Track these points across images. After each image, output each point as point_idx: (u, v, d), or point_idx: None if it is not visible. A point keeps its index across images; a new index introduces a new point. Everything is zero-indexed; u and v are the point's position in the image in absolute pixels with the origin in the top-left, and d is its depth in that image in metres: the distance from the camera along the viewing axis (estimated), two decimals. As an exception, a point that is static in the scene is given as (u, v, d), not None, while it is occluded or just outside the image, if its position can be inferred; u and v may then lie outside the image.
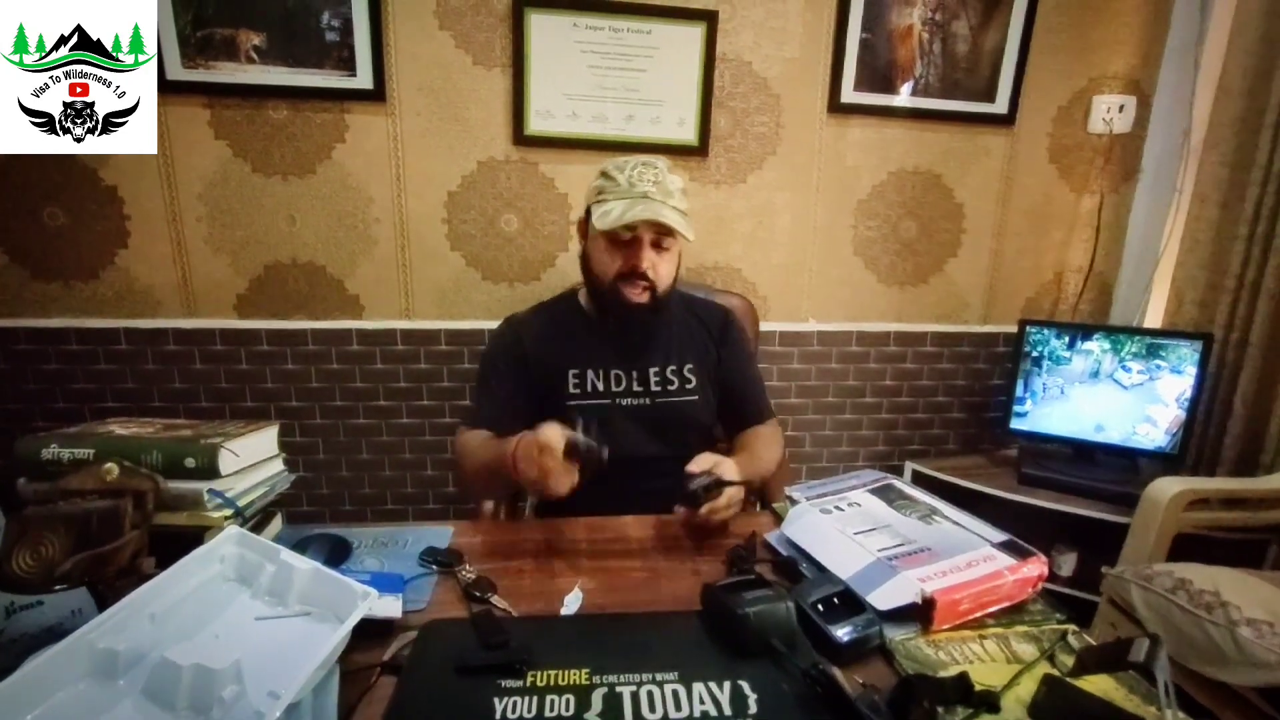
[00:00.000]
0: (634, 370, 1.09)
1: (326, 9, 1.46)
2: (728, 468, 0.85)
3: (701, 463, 0.86)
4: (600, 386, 1.08)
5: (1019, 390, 1.71)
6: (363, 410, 1.68)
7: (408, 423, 1.71)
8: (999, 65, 1.68)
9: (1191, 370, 1.51)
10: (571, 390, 1.07)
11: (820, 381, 1.84)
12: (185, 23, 1.42)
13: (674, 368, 1.10)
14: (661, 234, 1.00)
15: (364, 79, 1.50)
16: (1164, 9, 1.69)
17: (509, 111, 1.56)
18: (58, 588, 0.53)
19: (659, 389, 1.09)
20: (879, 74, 1.66)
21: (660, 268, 1.02)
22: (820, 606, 0.65)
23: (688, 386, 1.11)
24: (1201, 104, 1.62)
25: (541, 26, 1.52)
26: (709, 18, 1.56)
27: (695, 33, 1.57)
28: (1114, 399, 1.60)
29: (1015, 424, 1.73)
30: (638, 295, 1.01)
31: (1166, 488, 1.32)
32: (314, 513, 1.71)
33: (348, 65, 1.49)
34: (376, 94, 1.51)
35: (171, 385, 1.60)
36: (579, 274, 1.60)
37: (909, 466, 1.83)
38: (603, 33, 1.54)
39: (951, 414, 1.92)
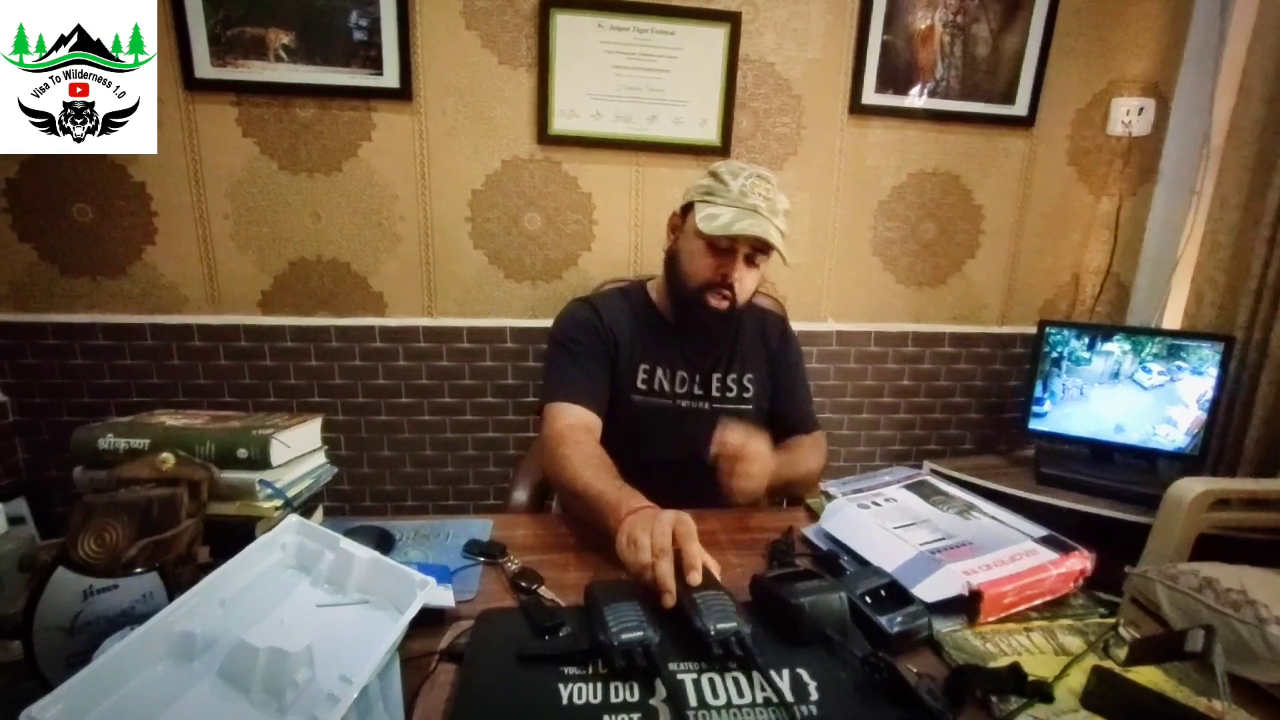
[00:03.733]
0: (698, 374, 1.09)
1: (355, 9, 1.47)
2: (758, 443, 0.89)
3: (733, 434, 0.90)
4: (666, 386, 1.08)
5: (1038, 391, 1.72)
6: (384, 407, 1.70)
7: (429, 419, 1.72)
8: (1019, 67, 1.69)
9: (1213, 372, 1.52)
10: (639, 385, 1.07)
11: (838, 381, 1.85)
12: (215, 22, 1.44)
13: (735, 376, 1.11)
14: (757, 250, 0.99)
15: (391, 78, 1.51)
16: (1184, 12, 1.70)
17: (533, 111, 1.58)
18: (137, 571, 0.54)
19: (719, 395, 1.10)
20: (900, 76, 1.67)
21: (746, 281, 1.01)
22: (868, 598, 0.66)
23: (745, 396, 1.11)
24: (1221, 107, 1.63)
25: (567, 26, 1.53)
26: (732, 19, 1.57)
27: (718, 34, 1.58)
28: (1134, 400, 1.61)
29: (1034, 424, 1.73)
30: (718, 302, 1.01)
31: (1190, 487, 1.33)
32: (335, 508, 1.70)
33: (375, 64, 1.50)
34: (403, 93, 1.52)
35: (196, 381, 1.62)
36: (600, 272, 1.65)
37: (926, 466, 1.84)
38: (627, 33, 1.55)
39: (968, 414, 1.93)
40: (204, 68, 1.46)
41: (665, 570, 0.64)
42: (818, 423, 1.20)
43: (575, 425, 0.97)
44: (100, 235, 1.53)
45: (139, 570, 0.54)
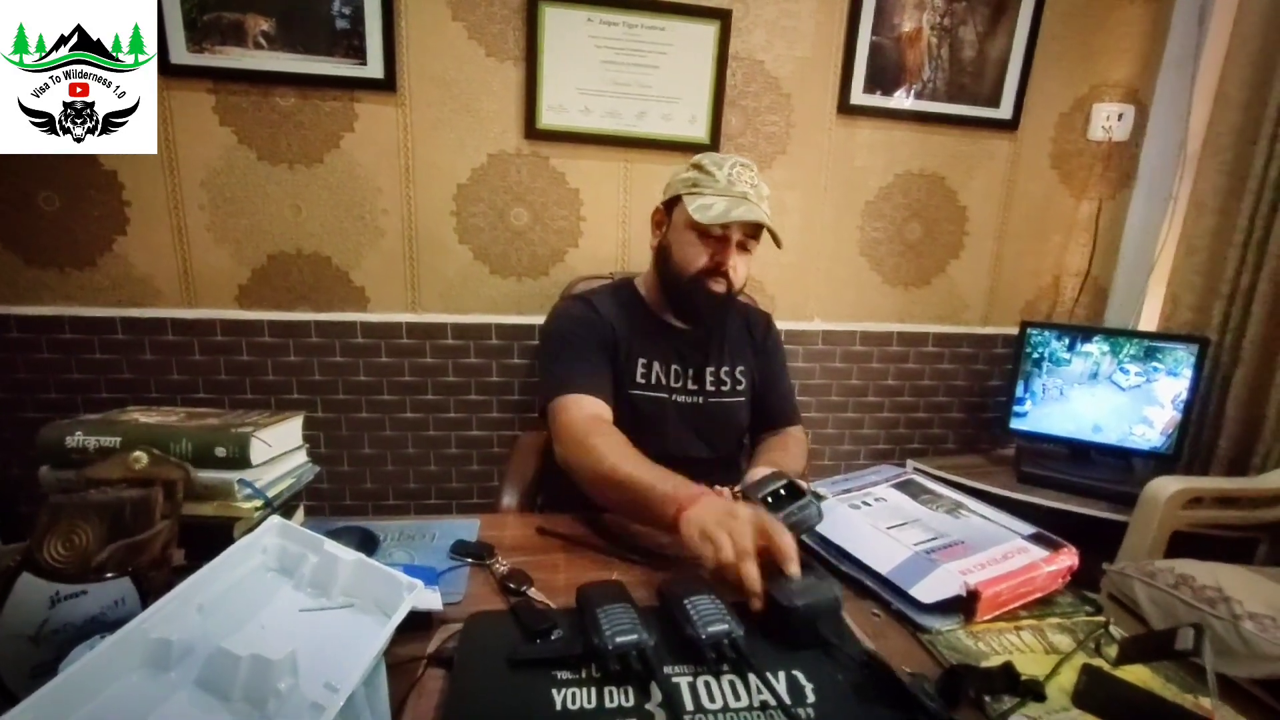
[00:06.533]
0: (690, 368, 1.09)
1: (337, -5, 1.43)
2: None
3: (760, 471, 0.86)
4: (663, 379, 1.07)
5: (1019, 390, 1.74)
6: (366, 404, 1.66)
7: (412, 417, 1.69)
8: (1004, 71, 1.71)
9: (1188, 373, 1.55)
10: (638, 379, 1.06)
11: (824, 380, 1.86)
12: (191, 6, 1.39)
13: (726, 369, 1.11)
14: (748, 236, 1.01)
15: (374, 68, 1.47)
16: (1163, 21, 1.73)
17: (521, 105, 1.55)
18: (108, 575, 0.52)
19: (712, 389, 1.10)
20: (888, 77, 1.68)
21: (740, 268, 1.03)
22: (769, 499, 0.72)
23: (738, 389, 1.12)
24: (1198, 114, 1.67)
25: (555, 20, 1.51)
26: (723, 16, 1.56)
27: (709, 31, 1.57)
28: (1112, 400, 1.64)
29: (1015, 424, 1.76)
30: (717, 286, 1.02)
31: (1166, 486, 1.36)
32: (314, 507, 1.66)
33: (358, 54, 1.47)
34: (387, 84, 1.49)
35: (169, 376, 1.57)
36: (587, 268, 1.63)
37: (909, 464, 1.85)
38: (617, 28, 1.54)
39: (951, 414, 1.95)
40: (180, 53, 1.41)
41: (752, 573, 0.62)
42: (799, 416, 1.21)
43: (597, 415, 0.94)
44: (68, 225, 1.47)
45: (110, 575, 0.52)
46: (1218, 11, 1.61)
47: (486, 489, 1.75)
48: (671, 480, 0.77)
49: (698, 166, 1.01)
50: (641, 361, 1.06)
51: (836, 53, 1.65)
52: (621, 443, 0.87)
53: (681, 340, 1.09)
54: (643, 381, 1.07)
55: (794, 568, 0.63)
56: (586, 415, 0.93)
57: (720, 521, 0.67)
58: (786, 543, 0.65)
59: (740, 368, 1.13)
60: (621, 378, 1.06)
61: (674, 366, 1.08)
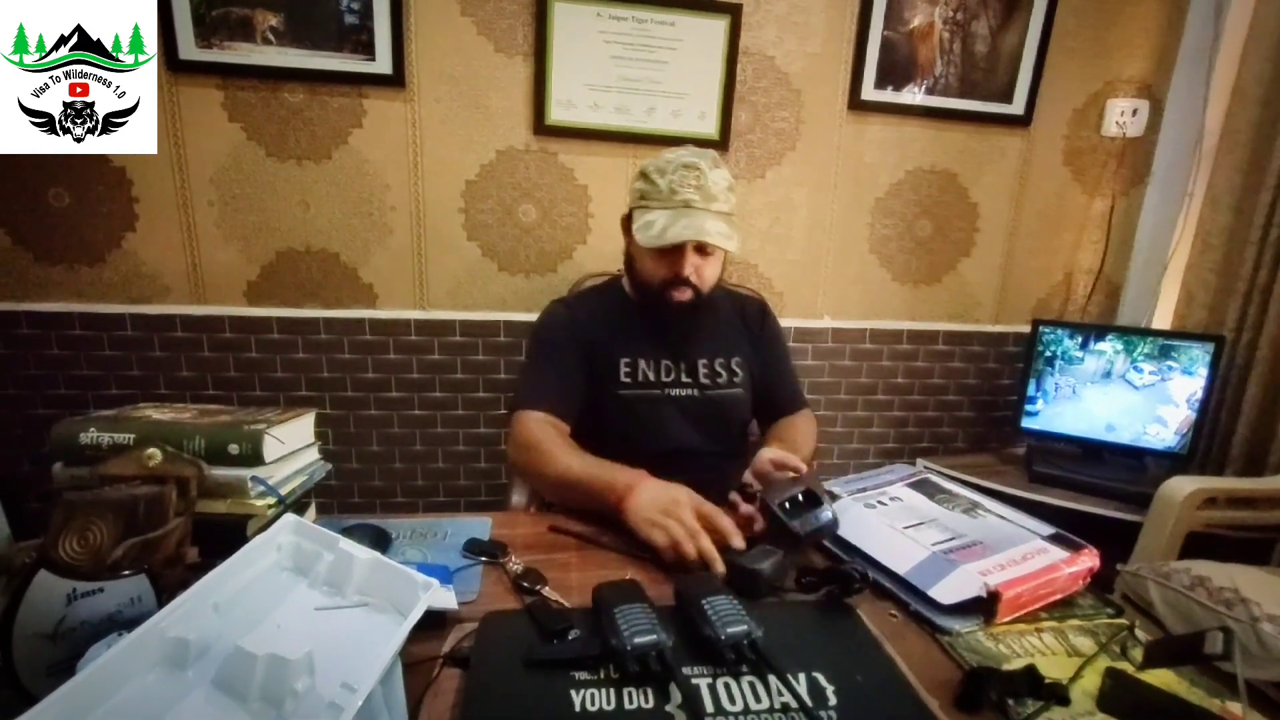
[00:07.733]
0: (682, 362, 1.08)
1: (346, -9, 1.43)
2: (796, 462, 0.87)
3: (766, 458, 0.87)
4: (651, 376, 1.07)
5: (1030, 389, 1.72)
6: (374, 401, 1.66)
7: (419, 414, 1.68)
8: (1017, 66, 1.69)
9: (1203, 371, 1.53)
10: (623, 379, 1.06)
11: (833, 378, 1.84)
12: (200, 1, 1.39)
13: (721, 360, 1.11)
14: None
15: (383, 64, 1.47)
16: (1178, 15, 1.71)
17: (530, 101, 1.55)
18: (125, 573, 0.51)
19: (707, 382, 1.09)
20: (899, 72, 1.66)
21: (704, 270, 1.02)
22: (786, 505, 0.74)
23: (735, 380, 1.11)
24: (1214, 109, 1.64)
25: (565, 15, 1.50)
26: (733, 11, 1.55)
27: (719, 26, 1.56)
28: (1125, 399, 1.62)
29: (1026, 423, 1.74)
30: (681, 296, 1.01)
31: (1181, 486, 1.34)
32: (323, 504, 1.66)
33: (367, 49, 1.46)
34: (396, 79, 1.48)
35: (178, 373, 1.57)
36: (596, 265, 1.63)
37: (920, 463, 1.84)
38: (626, 23, 1.53)
39: (961, 412, 1.93)
40: (188, 49, 1.41)
41: (708, 546, 0.71)
42: (806, 400, 1.21)
43: (544, 423, 0.98)
44: (78, 221, 1.47)
45: (127, 572, 0.51)
46: (1234, 5, 1.59)
47: (494, 486, 1.75)
48: (610, 470, 0.84)
49: (644, 175, 1.00)
50: (625, 362, 1.06)
51: (847, 48, 1.63)
52: (565, 443, 0.95)
53: (671, 334, 1.08)
54: (628, 381, 1.06)
55: (737, 542, 0.72)
56: (535, 426, 0.97)
57: (666, 510, 0.76)
58: (725, 523, 0.74)
59: (736, 359, 1.12)
60: (605, 380, 1.05)
61: (664, 362, 1.08)
